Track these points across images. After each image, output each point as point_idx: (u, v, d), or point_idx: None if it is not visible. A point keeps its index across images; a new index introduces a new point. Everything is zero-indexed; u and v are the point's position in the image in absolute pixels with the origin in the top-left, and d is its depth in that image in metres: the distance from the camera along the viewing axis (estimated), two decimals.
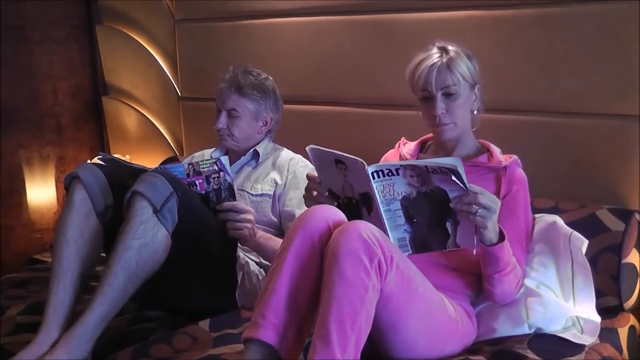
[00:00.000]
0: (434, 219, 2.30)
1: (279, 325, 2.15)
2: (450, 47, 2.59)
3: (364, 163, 2.21)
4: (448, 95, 2.56)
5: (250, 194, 3.15)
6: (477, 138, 2.74)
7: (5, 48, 4.47)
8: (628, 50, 2.90)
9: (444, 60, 2.55)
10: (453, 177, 2.17)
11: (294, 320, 2.16)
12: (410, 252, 2.33)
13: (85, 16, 4.85)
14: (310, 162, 2.44)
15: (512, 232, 2.53)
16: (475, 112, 2.65)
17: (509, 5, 3.18)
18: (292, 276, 2.18)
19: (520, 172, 2.64)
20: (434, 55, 2.57)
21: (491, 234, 2.29)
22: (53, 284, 2.55)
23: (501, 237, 2.33)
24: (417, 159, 2.79)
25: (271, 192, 3.14)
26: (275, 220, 3.13)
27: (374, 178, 2.24)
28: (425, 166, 2.21)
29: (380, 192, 2.26)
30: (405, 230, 2.31)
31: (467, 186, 2.19)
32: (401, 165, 2.24)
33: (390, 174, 2.25)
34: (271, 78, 3.32)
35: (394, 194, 2.28)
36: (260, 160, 3.25)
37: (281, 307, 2.16)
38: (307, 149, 2.38)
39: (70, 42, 4.78)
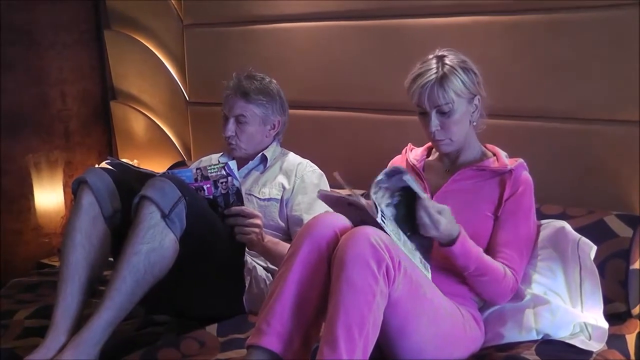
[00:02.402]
0: (413, 218, 2.33)
1: (284, 332, 2.15)
2: (447, 60, 2.57)
3: (372, 213, 2.22)
4: (442, 112, 2.57)
5: (258, 198, 3.15)
6: (484, 143, 2.75)
7: (14, 53, 4.48)
8: (636, 57, 2.90)
9: (438, 77, 2.53)
10: (404, 178, 2.24)
11: (300, 327, 2.17)
12: (430, 264, 2.37)
13: (93, 21, 4.86)
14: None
15: (510, 234, 2.56)
16: (474, 123, 2.65)
17: (517, 11, 3.18)
18: (298, 283, 2.19)
19: (526, 175, 2.64)
20: (429, 71, 2.55)
21: (434, 235, 2.33)
22: (61, 288, 2.55)
23: (452, 242, 2.37)
24: (423, 164, 2.80)
25: (279, 197, 3.15)
26: (283, 224, 3.13)
27: (383, 222, 2.24)
28: (385, 173, 2.29)
29: (392, 232, 2.26)
30: (415, 249, 2.34)
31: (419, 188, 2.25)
32: (373, 193, 2.27)
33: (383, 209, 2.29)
34: (275, 81, 3.32)
35: (398, 226, 2.32)
36: (268, 164, 3.26)
37: (286, 314, 2.16)
38: (317, 194, 2.43)
39: (79, 47, 4.79)
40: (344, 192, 2.38)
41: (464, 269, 2.43)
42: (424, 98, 2.56)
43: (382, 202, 2.30)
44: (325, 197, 2.40)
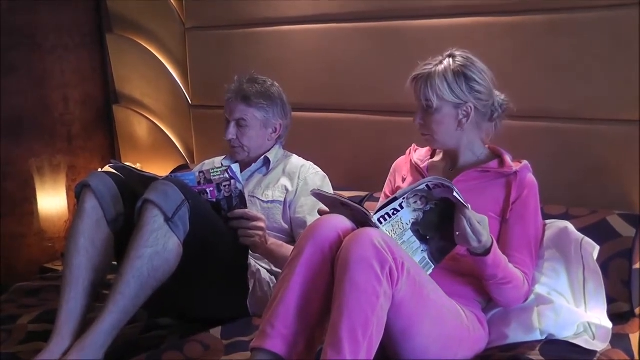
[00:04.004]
0: (442, 225, 2.33)
1: (288, 335, 2.15)
2: (445, 62, 2.60)
3: (367, 213, 2.23)
4: (426, 108, 2.61)
5: (261, 200, 3.15)
6: (488, 144, 2.75)
7: (16, 56, 4.49)
8: (636, 56, 2.90)
9: (427, 73, 2.59)
10: (455, 193, 2.20)
11: (304, 329, 2.17)
12: (434, 266, 2.36)
13: (96, 25, 4.87)
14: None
15: (520, 238, 2.56)
16: (460, 128, 2.65)
17: (519, 12, 3.18)
18: (302, 285, 2.18)
19: (530, 177, 2.64)
20: (427, 66, 2.62)
21: (475, 246, 2.31)
22: (64, 292, 2.55)
23: (486, 252, 2.36)
24: (427, 165, 2.80)
25: (282, 199, 3.15)
26: (286, 226, 3.13)
27: (380, 223, 2.26)
28: (427, 185, 2.24)
29: (390, 232, 2.28)
30: (422, 250, 2.34)
31: (464, 201, 2.23)
32: (403, 198, 2.26)
33: (395, 212, 2.28)
34: (277, 84, 3.32)
35: (403, 226, 2.31)
36: (271, 167, 3.26)
37: (291, 317, 2.16)
38: (310, 192, 2.44)
39: (81, 50, 4.80)
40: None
41: (491, 277, 2.42)
42: (412, 90, 2.65)
43: (412, 207, 2.30)
44: (319, 196, 2.41)
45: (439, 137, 2.66)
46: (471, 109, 2.61)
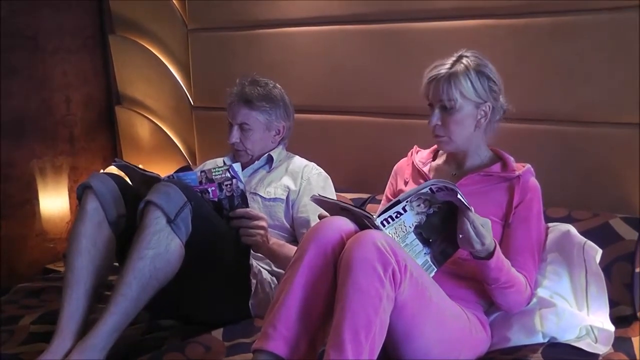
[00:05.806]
0: (445, 228, 2.32)
1: (290, 336, 2.15)
2: (464, 60, 2.58)
3: (369, 216, 2.23)
4: (445, 108, 2.58)
5: (264, 197, 3.15)
6: (490, 147, 2.74)
7: (18, 58, 4.48)
8: (637, 59, 2.90)
9: (448, 73, 2.56)
10: (459, 196, 2.20)
11: (306, 331, 2.17)
12: (436, 269, 2.36)
13: (98, 26, 4.87)
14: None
15: (523, 242, 2.55)
16: (480, 129, 2.64)
17: (522, 15, 3.18)
18: (304, 287, 2.18)
19: (533, 181, 2.64)
20: (443, 66, 2.59)
21: (478, 249, 2.31)
22: (66, 293, 2.55)
23: (489, 256, 2.36)
24: (429, 166, 2.80)
25: (284, 197, 3.14)
26: (288, 225, 3.13)
27: (383, 225, 2.26)
28: (430, 188, 2.24)
29: (393, 234, 2.27)
30: (425, 253, 2.34)
31: (468, 204, 2.23)
32: (407, 201, 2.26)
33: (398, 215, 2.27)
34: (279, 86, 3.32)
35: (406, 229, 2.31)
36: (273, 165, 3.26)
37: (293, 319, 2.16)
38: (310, 198, 2.44)
39: (84, 52, 4.79)
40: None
41: (494, 281, 2.42)
42: (429, 91, 2.60)
43: (415, 210, 2.30)
44: (318, 202, 2.41)
45: (456, 138, 2.63)
46: (489, 109, 2.60)
